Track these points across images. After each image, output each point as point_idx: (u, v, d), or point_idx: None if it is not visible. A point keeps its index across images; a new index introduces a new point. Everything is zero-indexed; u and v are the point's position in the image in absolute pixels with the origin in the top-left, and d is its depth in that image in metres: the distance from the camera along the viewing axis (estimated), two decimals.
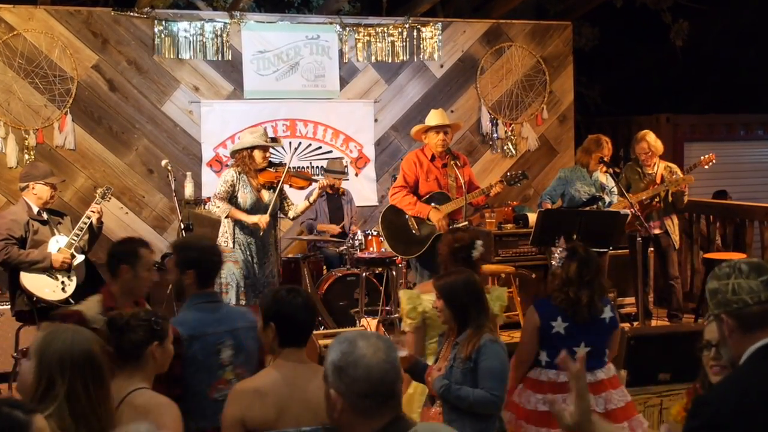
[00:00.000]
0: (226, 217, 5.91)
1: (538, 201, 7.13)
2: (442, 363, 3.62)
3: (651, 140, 7.00)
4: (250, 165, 5.94)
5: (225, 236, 5.95)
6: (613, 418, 3.97)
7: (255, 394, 2.95)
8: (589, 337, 4.02)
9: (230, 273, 5.84)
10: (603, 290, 4.09)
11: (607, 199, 6.73)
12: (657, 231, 6.92)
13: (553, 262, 4.27)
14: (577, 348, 3.96)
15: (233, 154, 6.12)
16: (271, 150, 6.20)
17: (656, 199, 6.85)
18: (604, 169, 6.72)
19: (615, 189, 6.79)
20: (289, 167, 6.09)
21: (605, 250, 6.47)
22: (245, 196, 5.93)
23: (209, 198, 7.59)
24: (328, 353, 2.13)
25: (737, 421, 2.05)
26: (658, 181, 6.93)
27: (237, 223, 5.92)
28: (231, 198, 5.92)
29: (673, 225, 7.10)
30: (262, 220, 5.85)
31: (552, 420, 3.16)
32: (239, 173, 5.95)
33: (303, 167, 8.17)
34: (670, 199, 6.94)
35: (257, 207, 5.95)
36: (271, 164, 6.10)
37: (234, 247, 5.89)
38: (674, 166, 7.12)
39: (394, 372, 2.08)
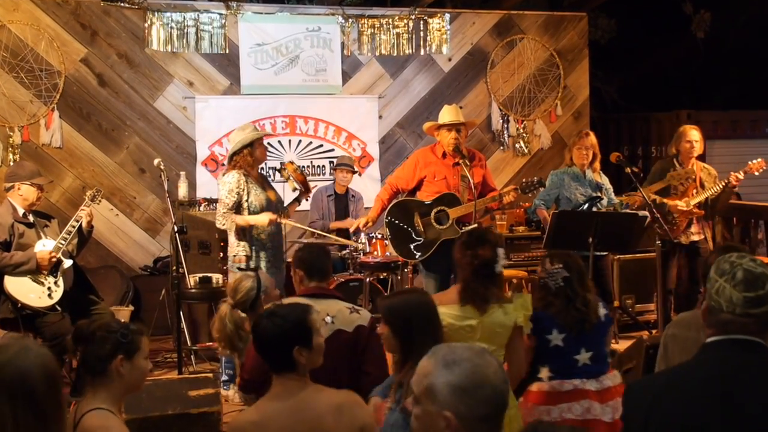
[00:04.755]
0: (235, 228, 5.69)
1: (531, 207, 6.96)
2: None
3: (697, 137, 6.77)
4: (252, 163, 5.75)
5: (245, 248, 5.71)
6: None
7: (255, 428, 2.75)
8: (588, 341, 4.04)
9: None
10: (591, 290, 4.10)
11: (605, 199, 6.63)
12: (696, 237, 6.79)
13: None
14: (578, 356, 4.01)
15: (232, 157, 5.78)
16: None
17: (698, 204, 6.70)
18: (598, 167, 6.67)
19: (611, 188, 6.70)
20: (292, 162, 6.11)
21: (605, 252, 6.45)
22: (259, 198, 5.72)
23: (204, 199, 7.60)
24: (434, 371, 2.02)
25: (644, 416, 2.22)
26: (698, 182, 6.82)
27: (254, 228, 5.70)
28: (237, 205, 5.70)
29: (710, 231, 7.02)
30: (271, 216, 5.68)
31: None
32: (245, 175, 5.71)
33: (304, 166, 8.16)
34: (709, 202, 6.81)
35: (269, 207, 5.76)
36: None
37: (258, 256, 5.70)
38: (710, 167, 6.97)
39: (508, 391, 2.02)
